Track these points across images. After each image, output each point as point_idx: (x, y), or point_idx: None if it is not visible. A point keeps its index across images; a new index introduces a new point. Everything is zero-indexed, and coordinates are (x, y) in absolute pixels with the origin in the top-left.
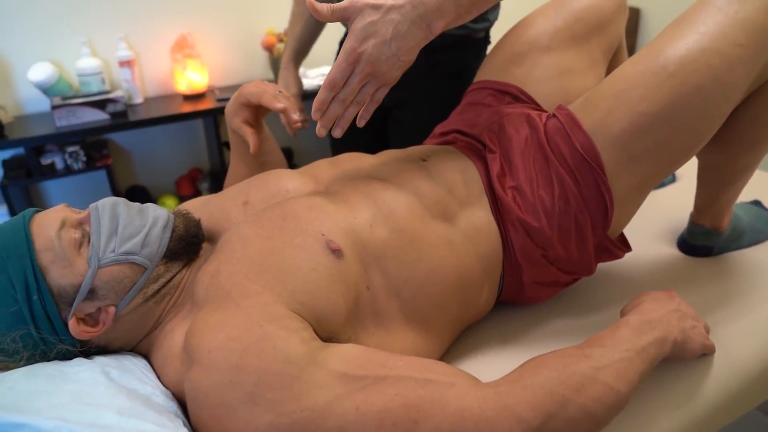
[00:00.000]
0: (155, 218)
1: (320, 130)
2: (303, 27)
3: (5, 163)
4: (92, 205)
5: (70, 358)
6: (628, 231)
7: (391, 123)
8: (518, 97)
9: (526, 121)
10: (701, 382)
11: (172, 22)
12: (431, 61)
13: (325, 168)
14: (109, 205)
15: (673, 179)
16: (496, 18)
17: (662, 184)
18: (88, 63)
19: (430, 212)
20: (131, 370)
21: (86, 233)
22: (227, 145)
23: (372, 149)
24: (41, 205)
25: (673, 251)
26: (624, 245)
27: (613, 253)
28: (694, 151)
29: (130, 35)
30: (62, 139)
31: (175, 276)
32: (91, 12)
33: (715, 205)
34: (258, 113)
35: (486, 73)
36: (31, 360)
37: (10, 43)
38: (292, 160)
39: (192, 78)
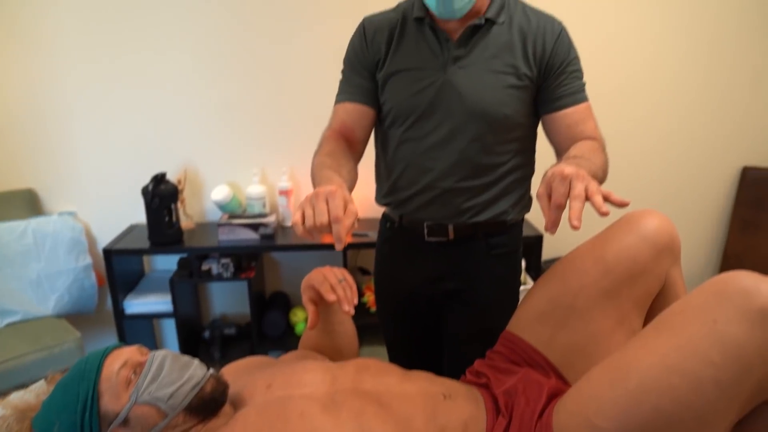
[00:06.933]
0: (191, 377)
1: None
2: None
3: (180, 261)
4: (151, 353)
5: None
6: None
7: (455, 305)
8: (539, 363)
9: (530, 394)
10: None
11: None
12: (489, 245)
13: (350, 374)
14: (161, 356)
15: None
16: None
17: None
18: (255, 189)
19: None
20: None
21: (137, 374)
22: (361, 270)
23: (431, 327)
24: (196, 299)
25: None
26: None
27: None
28: None
29: (292, 169)
30: (219, 251)
31: (190, 429)
32: (266, 149)
33: None
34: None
35: (515, 324)
36: None
37: (205, 167)
38: None
39: None
